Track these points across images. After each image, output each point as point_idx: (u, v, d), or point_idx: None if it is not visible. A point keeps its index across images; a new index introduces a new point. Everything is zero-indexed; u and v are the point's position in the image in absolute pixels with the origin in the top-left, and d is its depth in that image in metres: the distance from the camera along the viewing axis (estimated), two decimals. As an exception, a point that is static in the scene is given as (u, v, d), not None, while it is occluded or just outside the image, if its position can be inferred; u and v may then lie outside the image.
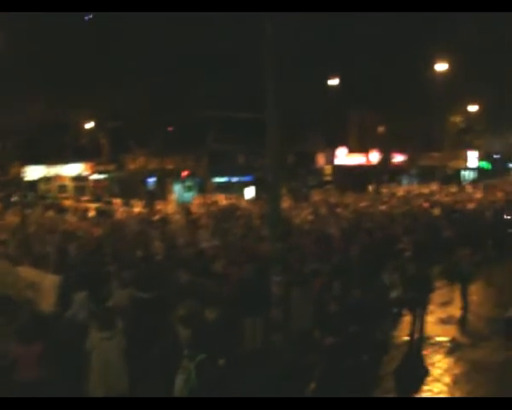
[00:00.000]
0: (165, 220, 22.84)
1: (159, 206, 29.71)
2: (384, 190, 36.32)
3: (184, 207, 27.78)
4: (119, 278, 11.85)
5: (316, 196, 35.06)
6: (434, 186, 39.82)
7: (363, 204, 28.13)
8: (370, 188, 36.21)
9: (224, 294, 11.52)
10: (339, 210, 25.31)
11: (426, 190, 37.18)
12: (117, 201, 33.60)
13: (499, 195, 34.90)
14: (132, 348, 9.01)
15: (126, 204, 32.04)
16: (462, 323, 14.61)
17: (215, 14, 32.35)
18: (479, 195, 34.62)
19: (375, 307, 11.21)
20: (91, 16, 34.95)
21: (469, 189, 39.27)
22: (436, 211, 25.35)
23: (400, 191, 35.62)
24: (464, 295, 15.51)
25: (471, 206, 28.12)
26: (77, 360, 8.92)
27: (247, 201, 33.12)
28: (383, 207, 26.60)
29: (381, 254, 14.65)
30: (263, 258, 12.90)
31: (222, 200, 31.37)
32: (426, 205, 27.71)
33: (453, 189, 38.36)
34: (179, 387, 5.67)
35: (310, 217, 22.94)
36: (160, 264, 14.05)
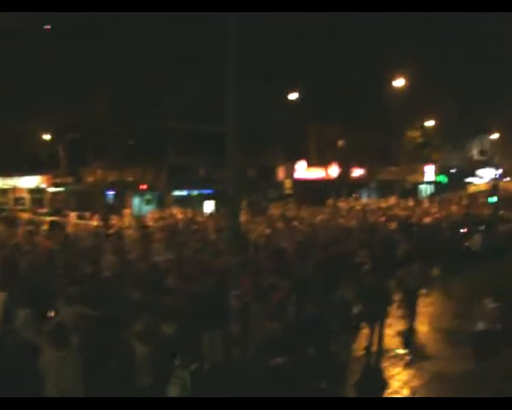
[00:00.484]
0: (119, 234, 22.40)
1: (114, 219, 29.18)
2: (342, 204, 36.48)
3: (139, 221, 27.40)
4: (64, 294, 11.38)
5: (274, 209, 35.04)
6: (392, 200, 40.24)
7: (319, 218, 28.09)
8: (329, 202, 36.36)
9: (181, 309, 11.36)
10: (295, 224, 25.21)
11: (383, 204, 37.48)
12: (72, 214, 33.04)
13: (454, 209, 35.45)
14: (88, 367, 8.79)
15: (82, 217, 31.48)
16: (407, 336, 14.60)
17: (178, 26, 32.38)
18: (435, 209, 35.05)
19: (331, 323, 11.21)
20: (49, 26, 34.54)
21: (426, 203, 39.75)
22: (393, 225, 25.49)
23: (358, 205, 35.82)
24: (410, 308, 15.43)
25: (427, 220, 28.39)
26: (25, 379, 8.57)
27: (204, 214, 32.85)
28: (340, 221, 26.64)
29: (336, 268, 14.64)
30: (218, 272, 12.82)
31: (178, 213, 30.99)
32: (382, 219, 27.86)
33: (410, 203, 38.78)
34: (175, 395, 5.59)
35: (266, 231, 22.75)
36: (110, 279, 13.66)
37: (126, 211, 32.97)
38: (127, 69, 33.12)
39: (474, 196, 46.56)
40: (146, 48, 32.61)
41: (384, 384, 11.58)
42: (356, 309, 12.37)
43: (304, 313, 10.90)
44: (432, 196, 49.97)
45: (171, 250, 17.14)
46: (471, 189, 50.15)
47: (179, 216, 30.03)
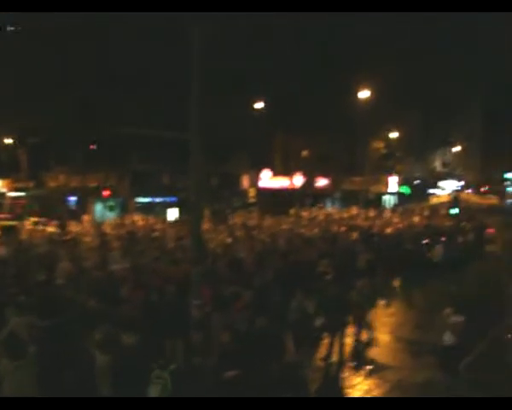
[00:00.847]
0: (75, 241, 21.89)
1: (72, 225, 28.60)
2: (304, 214, 36.51)
3: (97, 228, 26.92)
4: (14, 303, 11.00)
5: (237, 218, 34.91)
6: (354, 210, 40.48)
7: (281, 227, 27.95)
8: (292, 211, 36.38)
9: (140, 318, 11.18)
10: (256, 233, 25.06)
11: (346, 214, 37.61)
12: (30, 219, 32.41)
13: (416, 219, 35.81)
14: (45, 376, 8.59)
15: (39, 223, 30.84)
16: (357, 349, 14.62)
17: (144, 33, 32.20)
18: (396, 219, 35.32)
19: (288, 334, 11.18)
20: (13, 28, 33.92)
21: (388, 213, 40.06)
22: (354, 235, 25.50)
23: (321, 215, 35.90)
24: (359, 320, 15.41)
25: (388, 230, 28.55)
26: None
27: (165, 222, 32.43)
28: (302, 231, 26.57)
29: (295, 278, 14.56)
30: (178, 280, 12.68)
31: (139, 220, 30.57)
32: (344, 229, 27.87)
33: (371, 213, 39.01)
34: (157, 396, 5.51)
35: (227, 240, 22.48)
36: (63, 288, 13.26)
37: (85, 217, 32.41)
38: (93, 73, 32.76)
39: (436, 208, 47.20)
40: (113, 52, 32.33)
41: (345, 394, 11.56)
42: (318, 321, 12.30)
43: (256, 325, 10.82)
44: (394, 207, 50.44)
45: (127, 258, 16.81)
46: (433, 200, 50.80)
47: (140, 223, 29.61)
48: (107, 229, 27.27)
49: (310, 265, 16.83)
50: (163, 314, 11.10)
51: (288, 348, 10.86)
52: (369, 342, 14.84)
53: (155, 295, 11.97)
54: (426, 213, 42.33)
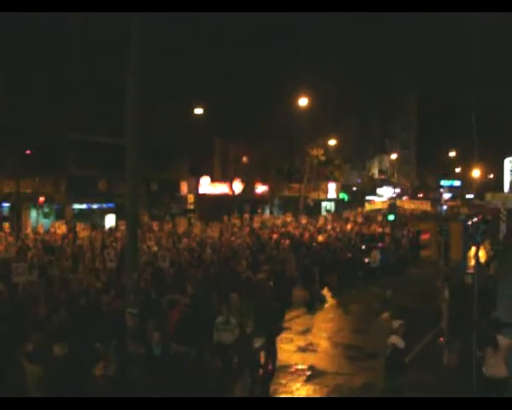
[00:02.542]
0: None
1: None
2: (236, 221, 36.29)
3: (16, 237, 25.96)
4: None
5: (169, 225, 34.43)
6: (287, 217, 40.68)
7: (212, 235, 27.52)
8: (224, 218, 36.16)
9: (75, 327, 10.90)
10: (185, 241, 24.69)
11: (279, 222, 37.57)
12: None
13: (349, 226, 36.20)
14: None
15: None
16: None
17: (82, 38, 31.62)
18: (329, 226, 35.59)
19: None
20: None
21: (322, 220, 40.27)
22: (286, 242, 25.44)
23: (255, 222, 35.77)
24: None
25: (320, 238, 28.61)
26: None
27: (96, 229, 31.33)
28: (232, 239, 26.15)
29: (221, 286, 14.49)
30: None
31: (62, 228, 29.47)
32: (275, 236, 27.84)
33: (304, 220, 39.11)
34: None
35: (154, 248, 21.76)
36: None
37: (5, 225, 31.30)
38: (30, 76, 31.93)
39: (369, 215, 47.96)
40: (50, 57, 31.66)
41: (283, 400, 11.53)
42: (257, 343, 12.12)
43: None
44: (332, 214, 50.93)
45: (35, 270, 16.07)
46: (367, 207, 51.62)
47: (60, 231, 28.36)
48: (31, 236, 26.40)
49: (236, 274, 16.70)
50: (99, 323, 10.84)
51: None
52: (309, 348, 14.91)
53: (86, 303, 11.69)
54: (359, 219, 42.95)
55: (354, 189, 66.71)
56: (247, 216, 38.30)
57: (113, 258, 16.60)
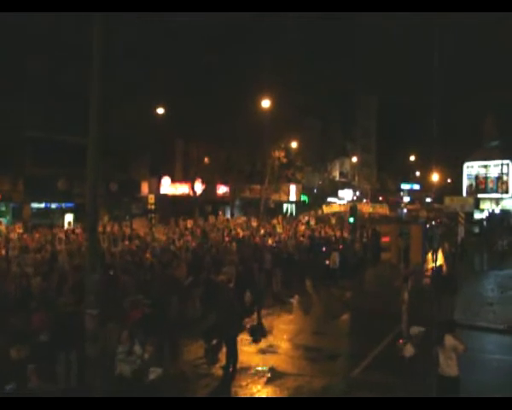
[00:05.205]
0: None
1: None
2: (188, 223, 36.09)
3: None
4: None
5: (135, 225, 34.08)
6: (239, 219, 40.60)
7: (157, 237, 27.15)
8: (171, 221, 35.88)
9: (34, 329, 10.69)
10: (126, 243, 24.33)
11: (231, 224, 37.51)
12: None
13: (302, 229, 36.32)
14: None
15: None
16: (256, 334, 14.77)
17: (44, 35, 31.08)
18: (280, 229, 35.64)
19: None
20: None
21: (275, 222, 40.34)
22: (233, 245, 25.33)
23: (207, 224, 35.59)
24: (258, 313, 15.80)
25: (270, 241, 28.55)
26: None
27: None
28: (180, 242, 25.78)
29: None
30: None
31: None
32: (227, 239, 27.72)
33: (254, 222, 39.16)
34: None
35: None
36: None
37: None
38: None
39: (323, 217, 48.24)
40: (8, 52, 31.11)
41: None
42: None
43: None
44: (283, 217, 50.91)
45: None
46: (325, 209, 51.88)
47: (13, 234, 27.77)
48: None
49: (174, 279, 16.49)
50: (57, 326, 10.65)
51: None
52: (269, 349, 14.90)
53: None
54: (312, 222, 43.19)
55: (315, 191, 67.07)
56: (212, 217, 38.21)
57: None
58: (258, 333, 14.45)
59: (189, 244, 24.75)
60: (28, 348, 9.62)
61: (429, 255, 28.54)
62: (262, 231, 32.93)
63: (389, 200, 72.73)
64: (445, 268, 23.78)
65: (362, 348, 14.80)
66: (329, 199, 65.89)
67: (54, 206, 38.14)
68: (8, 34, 29.42)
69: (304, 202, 64.13)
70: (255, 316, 16.25)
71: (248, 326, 14.76)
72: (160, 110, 36.56)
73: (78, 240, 24.58)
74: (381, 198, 77.97)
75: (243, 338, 14.25)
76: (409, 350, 11.06)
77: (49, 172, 35.10)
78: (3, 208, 36.36)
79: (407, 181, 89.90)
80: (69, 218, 37.08)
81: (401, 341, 13.76)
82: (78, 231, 28.95)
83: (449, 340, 10.05)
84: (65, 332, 10.64)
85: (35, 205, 37.13)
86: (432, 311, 15.78)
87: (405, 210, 68.07)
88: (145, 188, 43.40)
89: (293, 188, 60.75)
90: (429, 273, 24.47)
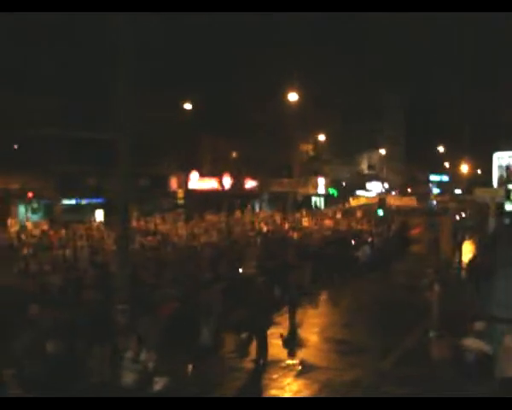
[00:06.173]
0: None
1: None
2: (212, 218, 36.21)
3: None
4: None
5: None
6: (265, 213, 40.47)
7: (178, 232, 27.18)
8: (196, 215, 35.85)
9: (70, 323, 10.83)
10: (149, 239, 24.40)
11: (257, 218, 37.34)
12: None
13: (327, 223, 36.05)
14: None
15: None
16: (289, 345, 14.69)
17: (68, 35, 31.46)
18: (306, 223, 35.42)
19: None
20: None
21: (302, 215, 40.11)
22: (258, 240, 25.21)
23: (233, 219, 35.58)
24: (291, 319, 15.64)
25: (296, 235, 28.49)
26: None
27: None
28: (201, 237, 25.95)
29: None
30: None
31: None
32: (251, 234, 27.65)
33: (280, 216, 38.97)
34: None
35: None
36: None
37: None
38: (17, 71, 31.76)
39: (351, 210, 47.84)
40: (37, 52, 31.53)
41: (274, 396, 11.55)
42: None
43: None
44: (309, 211, 50.66)
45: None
46: (352, 202, 51.54)
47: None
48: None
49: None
50: (89, 320, 10.78)
51: None
52: (298, 343, 14.91)
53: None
54: (338, 215, 42.87)
55: (343, 184, 66.82)
56: (238, 212, 38.27)
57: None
58: (291, 344, 14.33)
59: (213, 239, 24.81)
60: (62, 343, 9.73)
61: (460, 247, 28.27)
62: (288, 225, 32.85)
63: (418, 192, 72.02)
64: (478, 259, 23.50)
65: (391, 341, 14.73)
66: (358, 192, 65.57)
67: (85, 202, 38.62)
68: (39, 33, 29.81)
69: (332, 195, 63.93)
70: (286, 314, 16.13)
71: (281, 336, 14.65)
72: (188, 105, 36.72)
73: (100, 236, 24.79)
74: (409, 190, 77.30)
75: (273, 332, 14.28)
76: (475, 345, 10.53)
77: (79, 169, 35.54)
78: (36, 205, 36.93)
79: (436, 172, 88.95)
80: (99, 214, 37.48)
81: (431, 333, 13.73)
82: (100, 226, 29.20)
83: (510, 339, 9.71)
84: (95, 327, 10.73)
85: (67, 202, 37.62)
86: (468, 303, 15.64)
87: (435, 202, 67.36)
88: (174, 183, 43.66)
89: (321, 181, 60.60)
90: (462, 265, 24.31)
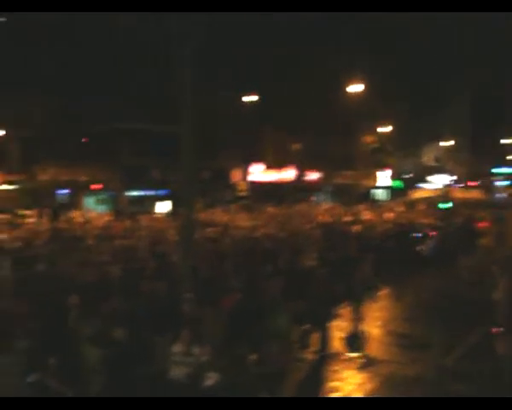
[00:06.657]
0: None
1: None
2: (271, 209, 36.16)
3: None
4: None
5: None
6: (326, 206, 40.17)
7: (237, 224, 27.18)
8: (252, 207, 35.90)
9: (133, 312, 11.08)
10: (210, 230, 24.55)
11: (317, 210, 37.06)
12: (27, 212, 32.23)
13: (388, 215, 35.43)
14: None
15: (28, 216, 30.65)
16: (351, 338, 14.62)
17: (132, 28, 32.11)
18: (367, 216, 34.89)
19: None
20: (4, 19, 33.69)
21: (363, 208, 39.59)
22: (317, 232, 25.03)
23: (293, 211, 35.47)
24: (356, 313, 15.44)
25: (356, 227, 27.99)
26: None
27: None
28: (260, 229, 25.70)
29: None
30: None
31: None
32: (309, 226, 27.45)
33: (341, 209, 38.54)
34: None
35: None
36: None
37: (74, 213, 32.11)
38: (89, 66, 32.63)
39: (414, 203, 46.87)
40: (106, 46, 32.28)
41: (336, 388, 11.61)
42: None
43: None
44: (381, 202, 50.15)
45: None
46: (415, 194, 50.52)
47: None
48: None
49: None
50: (153, 309, 11.03)
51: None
52: (361, 336, 14.87)
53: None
54: (400, 208, 42.08)
55: (407, 176, 65.87)
56: (299, 204, 38.19)
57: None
58: (356, 343, 14.26)
59: (273, 231, 24.81)
60: (128, 331, 9.95)
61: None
62: (349, 218, 32.57)
63: (484, 184, 70.25)
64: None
65: (454, 336, 14.54)
66: (421, 184, 64.53)
67: (150, 193, 39.39)
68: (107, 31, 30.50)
69: (395, 187, 63.17)
70: (348, 307, 16.05)
71: (345, 335, 14.61)
72: (251, 97, 36.90)
73: (162, 227, 25.15)
74: (475, 183, 75.47)
75: (335, 324, 14.30)
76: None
77: (144, 161, 36.28)
78: (103, 197, 37.92)
79: (503, 165, 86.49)
80: (162, 205, 38.15)
81: (496, 330, 13.45)
82: (162, 217, 29.67)
83: None
84: (157, 317, 10.92)
85: (133, 193, 38.46)
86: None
87: (503, 194, 65.61)
88: (236, 175, 43.98)
89: (384, 173, 59.95)
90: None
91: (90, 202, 38.20)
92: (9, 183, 41.67)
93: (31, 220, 28.67)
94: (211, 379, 9.34)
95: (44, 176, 38.87)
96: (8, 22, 32.47)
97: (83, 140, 37.44)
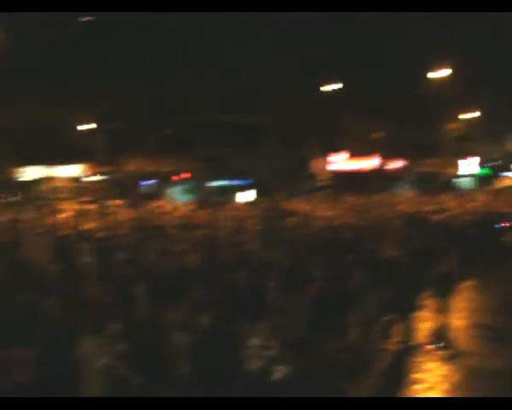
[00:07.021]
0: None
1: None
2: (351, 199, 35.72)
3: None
4: None
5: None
6: (408, 195, 39.32)
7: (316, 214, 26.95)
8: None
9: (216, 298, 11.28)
10: (290, 220, 24.36)
11: (399, 200, 36.42)
12: (115, 202, 33.35)
13: (472, 204, 34.28)
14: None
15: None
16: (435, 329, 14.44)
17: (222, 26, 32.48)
18: (451, 204, 33.93)
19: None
20: (89, 18, 34.82)
21: (446, 197, 38.53)
22: (397, 222, 24.55)
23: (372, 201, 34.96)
24: (440, 304, 15.14)
25: (437, 216, 27.24)
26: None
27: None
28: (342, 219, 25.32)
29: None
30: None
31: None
32: (391, 216, 26.93)
33: (423, 198, 37.55)
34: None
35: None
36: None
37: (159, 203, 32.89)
38: (168, 60, 33.28)
39: (500, 191, 45.21)
40: (186, 40, 32.80)
41: (420, 379, 11.53)
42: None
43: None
44: (465, 190, 48.66)
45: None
46: (498, 184, 48.79)
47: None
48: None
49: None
50: (238, 297, 11.22)
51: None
52: (445, 327, 14.67)
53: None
54: (482, 197, 40.61)
55: (492, 164, 63.74)
56: (380, 193, 37.76)
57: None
58: (440, 335, 14.04)
59: (353, 221, 24.63)
60: (213, 317, 10.12)
61: None
62: (431, 207, 31.89)
63: None
64: None
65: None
66: (507, 173, 62.31)
67: (233, 183, 39.83)
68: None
69: (481, 175, 61.31)
70: (432, 298, 15.80)
71: (429, 326, 14.43)
72: (332, 86, 36.67)
73: (243, 216, 25.35)
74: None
75: (419, 315, 14.17)
76: None
77: (228, 152, 36.73)
78: (187, 186, 38.70)
79: None
80: (243, 195, 38.51)
81: None
82: (244, 207, 29.96)
83: None
84: (242, 306, 11.06)
85: (216, 183, 39.03)
86: None
87: None
88: (317, 165, 43.89)
89: (469, 161, 58.33)
90: None
91: (174, 191, 39.02)
92: (100, 174, 43.26)
93: (117, 210, 29.62)
94: (280, 372, 9.23)
95: (131, 167, 40.09)
96: (95, 21, 33.58)
97: (166, 131, 38.27)
